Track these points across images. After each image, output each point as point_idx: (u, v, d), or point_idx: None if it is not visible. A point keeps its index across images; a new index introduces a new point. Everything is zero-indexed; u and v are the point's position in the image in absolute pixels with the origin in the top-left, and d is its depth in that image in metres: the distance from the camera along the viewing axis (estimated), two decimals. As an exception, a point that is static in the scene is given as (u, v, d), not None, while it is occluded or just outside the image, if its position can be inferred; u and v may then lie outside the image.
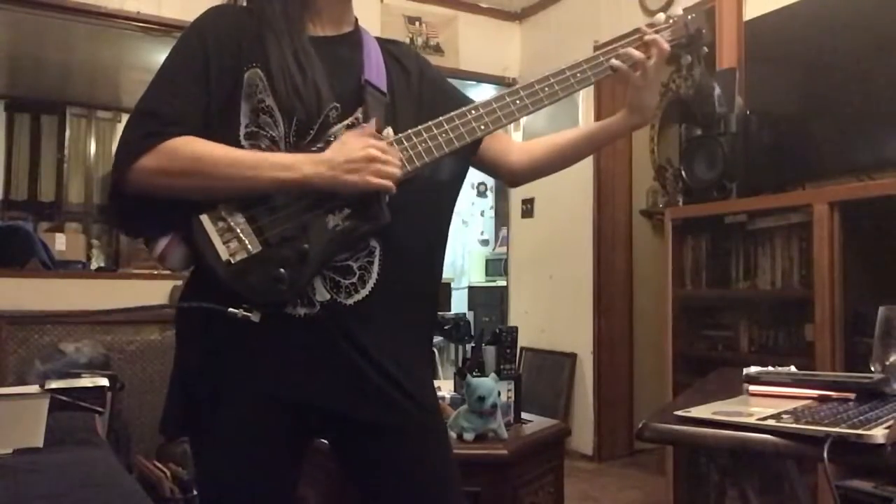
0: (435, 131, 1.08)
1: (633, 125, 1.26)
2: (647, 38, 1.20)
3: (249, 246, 1.01)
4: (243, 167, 1.01)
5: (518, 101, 1.14)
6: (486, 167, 1.33)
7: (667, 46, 1.20)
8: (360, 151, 1.01)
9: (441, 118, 1.09)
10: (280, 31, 1.08)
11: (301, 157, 1.03)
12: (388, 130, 1.07)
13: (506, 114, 1.13)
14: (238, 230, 1.01)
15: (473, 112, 1.11)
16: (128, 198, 1.04)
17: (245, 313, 0.99)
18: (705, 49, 1.31)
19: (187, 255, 1.05)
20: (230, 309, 0.99)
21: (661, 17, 1.26)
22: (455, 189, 1.23)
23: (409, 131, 1.08)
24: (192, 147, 1.02)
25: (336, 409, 1.08)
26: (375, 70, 1.15)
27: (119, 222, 1.11)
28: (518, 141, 1.38)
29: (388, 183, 1.02)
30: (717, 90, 2.82)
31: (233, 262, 1.00)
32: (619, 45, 1.20)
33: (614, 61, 1.18)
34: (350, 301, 1.06)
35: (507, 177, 1.37)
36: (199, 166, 1.01)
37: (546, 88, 1.16)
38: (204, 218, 1.01)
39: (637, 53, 1.18)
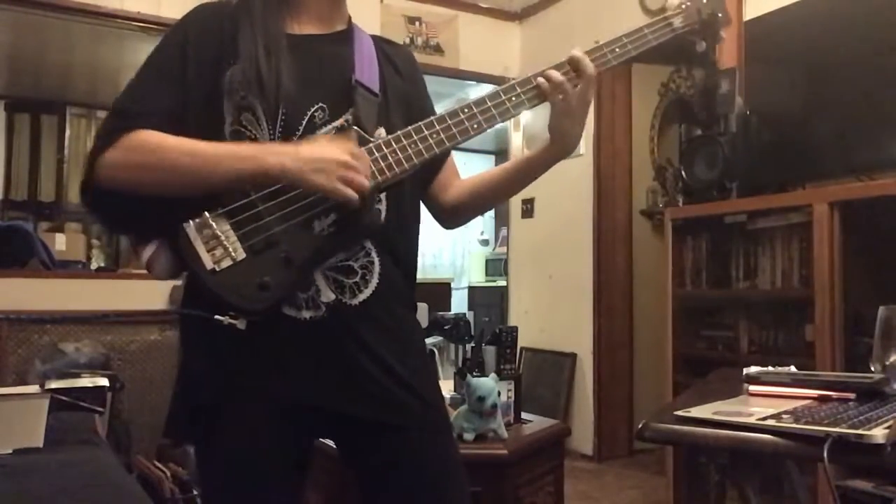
0: (426, 132, 1.05)
1: (555, 156, 1.14)
2: (580, 65, 1.07)
3: (234, 253, 1.00)
4: (203, 157, 0.99)
5: (501, 106, 1.08)
6: (426, 193, 1.25)
7: (592, 70, 1.08)
8: (331, 153, 0.97)
9: (432, 118, 1.06)
10: (255, 24, 1.07)
11: (264, 147, 1.01)
12: (381, 131, 1.06)
13: (486, 118, 1.08)
14: (223, 237, 1.00)
15: (464, 112, 1.07)
16: (108, 194, 1.03)
17: (231, 321, 0.98)
18: (723, 35, 1.20)
19: (173, 263, 1.05)
20: (216, 317, 0.98)
21: (673, 1, 1.18)
22: (424, 187, 1.23)
23: (400, 132, 1.05)
24: (152, 140, 1.01)
25: (344, 411, 1.07)
26: (367, 70, 1.12)
27: (100, 217, 1.10)
28: (461, 178, 1.28)
29: (352, 195, 0.96)
30: (723, 88, 2.80)
31: (217, 269, 0.99)
32: (549, 68, 1.09)
33: (540, 79, 1.08)
34: (355, 301, 1.06)
35: (435, 211, 1.28)
36: (158, 158, 1.00)
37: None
38: (188, 225, 1.00)
39: (556, 75, 1.07)
